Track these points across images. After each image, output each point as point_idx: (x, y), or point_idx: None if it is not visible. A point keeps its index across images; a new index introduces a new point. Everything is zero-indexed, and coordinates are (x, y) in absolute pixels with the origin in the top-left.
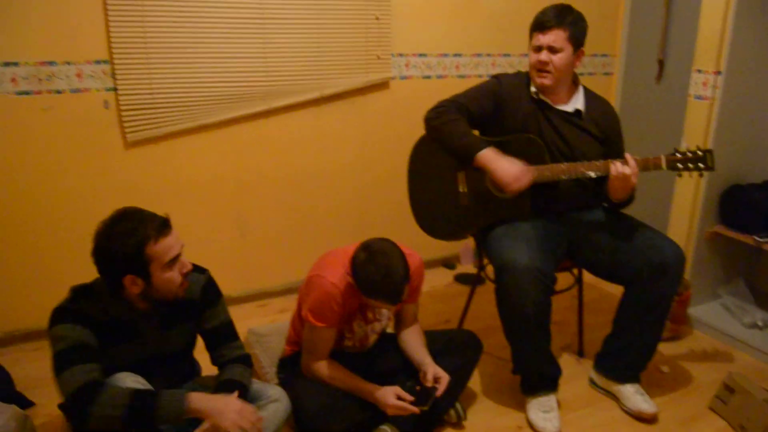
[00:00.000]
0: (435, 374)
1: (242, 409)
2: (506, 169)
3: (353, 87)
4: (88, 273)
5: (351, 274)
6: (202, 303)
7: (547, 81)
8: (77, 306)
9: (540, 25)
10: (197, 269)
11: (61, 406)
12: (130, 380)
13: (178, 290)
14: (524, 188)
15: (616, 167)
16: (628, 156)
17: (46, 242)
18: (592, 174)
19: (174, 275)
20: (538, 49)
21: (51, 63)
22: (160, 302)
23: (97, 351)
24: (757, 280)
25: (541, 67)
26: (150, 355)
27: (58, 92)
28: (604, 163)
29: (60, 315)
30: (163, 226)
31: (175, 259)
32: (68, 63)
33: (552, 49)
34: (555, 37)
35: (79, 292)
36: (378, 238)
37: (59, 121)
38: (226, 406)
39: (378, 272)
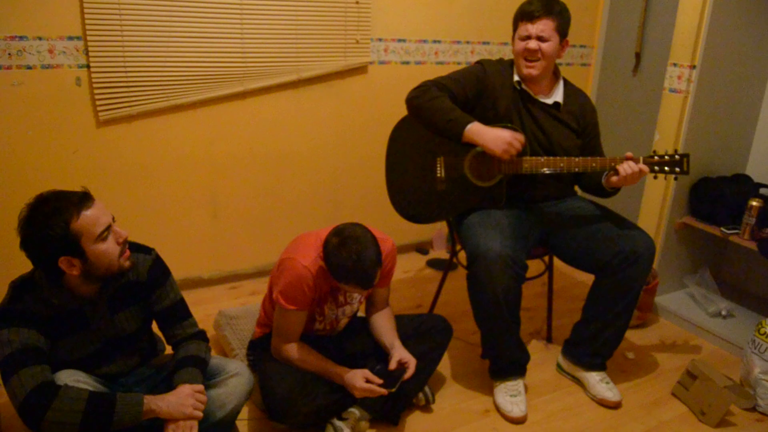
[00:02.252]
0: (401, 359)
1: (193, 393)
2: (496, 138)
3: (331, 71)
4: None
5: (323, 258)
6: (149, 284)
7: (534, 71)
8: (19, 306)
9: (528, 14)
10: (143, 249)
11: None
12: (70, 380)
13: (121, 262)
14: (518, 151)
15: (632, 166)
16: (630, 155)
17: (12, 221)
18: (594, 169)
19: (109, 246)
20: (527, 38)
21: (22, 38)
22: (106, 283)
23: (45, 351)
24: (722, 271)
25: (529, 56)
26: (102, 340)
27: (29, 68)
28: (609, 159)
29: (2, 319)
30: (83, 199)
31: (107, 229)
32: (40, 38)
33: (540, 39)
34: (543, 26)
35: (19, 288)
36: (350, 222)
37: (29, 97)
38: (179, 397)
39: (350, 258)
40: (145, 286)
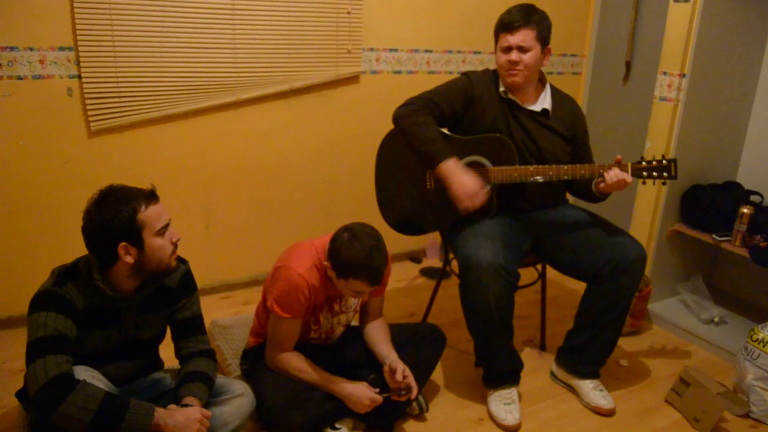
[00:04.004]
0: (404, 371)
1: (201, 418)
2: (464, 184)
3: (323, 80)
4: (48, 263)
5: (329, 256)
6: (178, 292)
7: (518, 78)
8: (62, 291)
9: (507, 25)
10: (178, 259)
11: (18, 395)
12: (86, 374)
13: (170, 260)
14: (476, 208)
15: (617, 174)
16: (619, 158)
17: (3, 232)
18: (583, 177)
19: (165, 243)
20: (508, 49)
21: (12, 48)
22: (147, 281)
23: (73, 342)
24: (714, 278)
25: (511, 67)
26: (124, 339)
27: (20, 78)
28: (598, 166)
29: (43, 301)
30: (151, 195)
31: (166, 226)
32: (31, 49)
33: (521, 49)
34: (524, 36)
35: (63, 274)
36: (357, 222)
37: (20, 108)
38: (187, 419)
39: (363, 250)
40: (174, 294)
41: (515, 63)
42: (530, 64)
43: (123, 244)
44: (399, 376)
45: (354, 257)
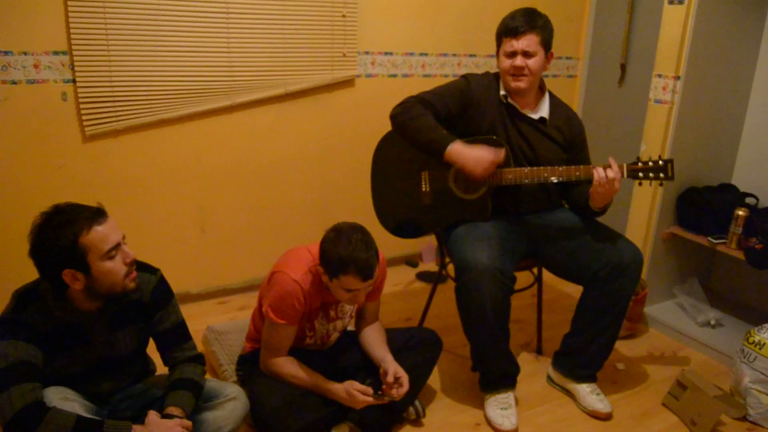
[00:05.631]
0: (395, 373)
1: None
2: (477, 159)
3: (318, 84)
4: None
5: (320, 257)
6: (152, 304)
7: (523, 84)
8: (20, 317)
9: (513, 30)
10: (148, 269)
11: None
12: (58, 398)
13: (125, 282)
14: (498, 164)
15: (599, 172)
16: (611, 160)
17: None
18: (578, 178)
19: (116, 266)
20: (512, 54)
21: (7, 53)
22: (108, 300)
23: (40, 367)
24: (710, 280)
25: (516, 72)
26: (98, 358)
27: (14, 83)
28: (586, 168)
29: (2, 329)
30: (96, 215)
31: (115, 248)
32: (25, 53)
33: (526, 54)
34: (529, 41)
35: (22, 298)
36: (344, 221)
37: (15, 113)
38: None
39: (349, 244)
40: (147, 307)
41: (520, 68)
42: (535, 68)
43: (67, 270)
44: (390, 378)
45: (341, 252)
